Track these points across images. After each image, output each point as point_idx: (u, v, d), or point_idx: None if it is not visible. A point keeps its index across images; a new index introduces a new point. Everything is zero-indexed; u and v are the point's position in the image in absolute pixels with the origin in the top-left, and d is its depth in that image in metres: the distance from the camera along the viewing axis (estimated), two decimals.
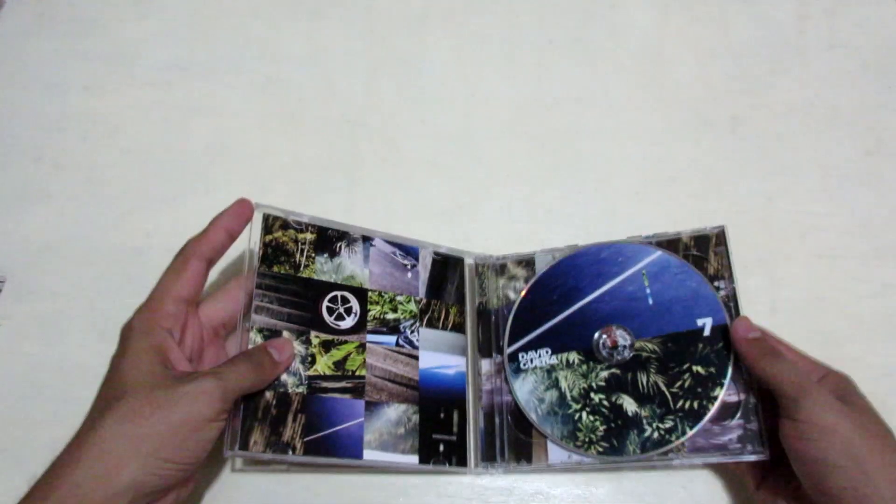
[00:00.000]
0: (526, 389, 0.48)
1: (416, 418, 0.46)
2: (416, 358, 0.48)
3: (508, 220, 0.56)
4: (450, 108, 0.62)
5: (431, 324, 0.50)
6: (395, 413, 0.46)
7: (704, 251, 0.48)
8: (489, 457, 0.47)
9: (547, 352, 0.48)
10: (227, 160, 0.58)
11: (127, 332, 0.40)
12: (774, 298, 0.54)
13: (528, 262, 0.51)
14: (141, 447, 0.35)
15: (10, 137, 0.59)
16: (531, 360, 0.48)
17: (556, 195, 0.58)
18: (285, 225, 0.48)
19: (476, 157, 0.59)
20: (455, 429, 0.47)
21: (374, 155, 0.59)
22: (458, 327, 0.50)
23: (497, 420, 0.47)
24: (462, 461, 0.47)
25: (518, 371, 0.48)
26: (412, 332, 0.49)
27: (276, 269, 0.47)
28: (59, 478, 0.35)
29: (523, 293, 0.50)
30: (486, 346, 0.50)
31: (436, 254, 0.52)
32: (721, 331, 0.45)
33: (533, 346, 0.49)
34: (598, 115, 0.61)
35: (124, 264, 0.53)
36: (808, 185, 0.59)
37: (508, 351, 0.49)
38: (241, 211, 0.45)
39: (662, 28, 0.66)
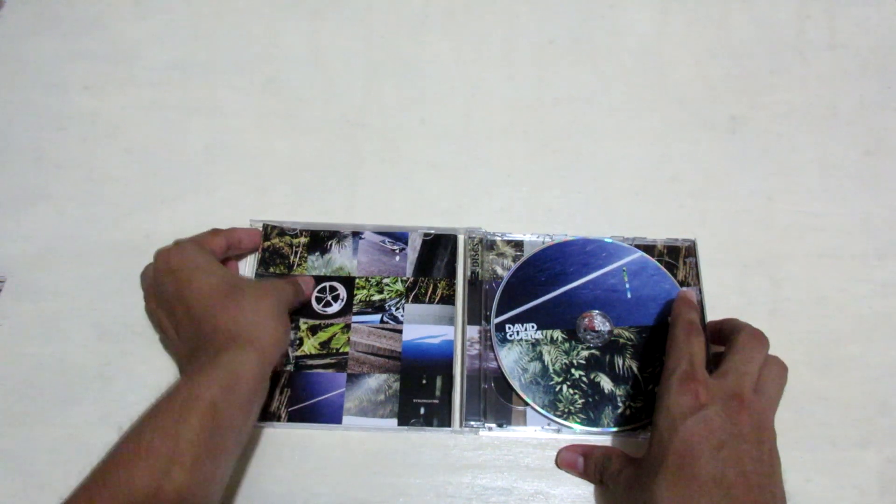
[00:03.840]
0: (511, 358, 0.50)
1: (396, 385, 0.50)
2: (400, 332, 0.51)
3: (508, 220, 0.56)
4: (450, 108, 0.62)
5: (418, 299, 0.53)
6: (375, 382, 0.50)
7: (675, 259, 0.54)
8: (472, 418, 0.49)
9: (533, 326, 0.51)
10: (227, 160, 0.58)
11: (191, 250, 0.47)
12: (774, 298, 0.54)
13: (516, 243, 0.55)
14: (284, 320, 0.46)
15: (10, 137, 0.59)
16: (517, 332, 0.51)
17: (556, 195, 0.58)
18: (282, 232, 0.55)
19: (476, 156, 0.59)
20: (438, 393, 0.49)
21: (374, 155, 0.59)
22: (447, 299, 0.53)
23: (480, 384, 0.49)
24: (445, 423, 0.48)
25: (504, 341, 0.51)
26: (397, 308, 0.52)
27: (272, 269, 0.53)
28: (246, 341, 0.42)
29: (514, 269, 0.53)
30: (475, 314, 0.52)
31: (425, 234, 0.55)
32: None
33: (520, 319, 0.52)
34: (598, 115, 0.62)
35: (124, 264, 0.53)
36: (808, 185, 0.59)
37: (496, 321, 0.51)
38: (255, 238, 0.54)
39: (662, 28, 0.66)
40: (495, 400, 0.49)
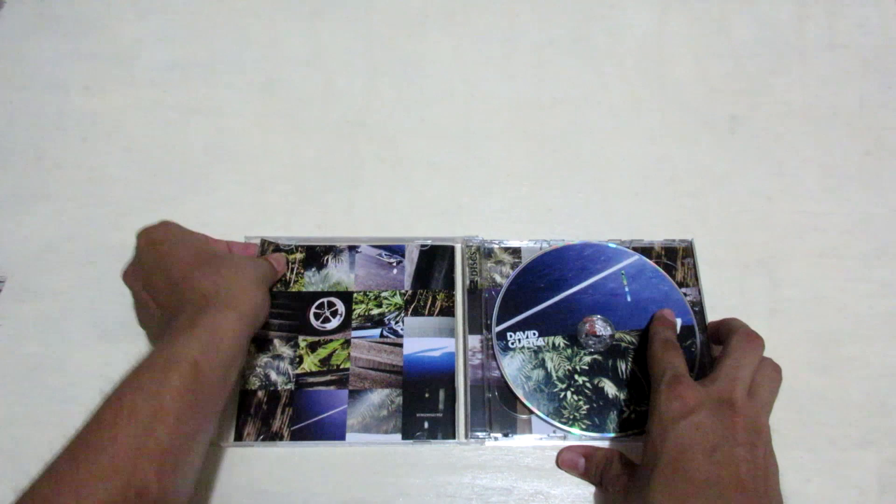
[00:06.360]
0: (514, 367, 0.50)
1: (399, 400, 0.49)
2: (401, 346, 0.51)
3: (508, 220, 0.56)
4: (450, 108, 0.62)
5: (417, 312, 0.52)
6: (378, 398, 0.49)
7: (673, 260, 0.54)
8: (477, 429, 0.48)
9: (534, 334, 0.51)
10: (227, 160, 0.58)
11: (174, 226, 0.48)
12: (774, 298, 0.54)
13: (514, 250, 0.54)
14: (263, 290, 0.46)
15: (10, 137, 0.59)
16: (519, 340, 0.51)
17: (556, 195, 0.58)
18: (277, 248, 0.54)
19: (476, 156, 0.59)
20: (441, 406, 0.49)
21: (373, 155, 0.59)
22: (447, 311, 0.52)
23: (484, 394, 0.49)
24: (449, 436, 0.48)
25: (506, 349, 0.50)
26: (397, 322, 0.52)
27: (270, 287, 0.51)
28: (224, 303, 0.42)
29: (513, 276, 0.53)
30: (476, 324, 0.51)
31: (422, 245, 0.54)
32: (688, 331, 0.51)
33: (521, 327, 0.51)
34: (598, 115, 0.62)
35: (124, 264, 0.53)
36: (808, 185, 0.59)
37: (497, 329, 0.51)
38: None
39: (662, 28, 0.66)
40: (500, 409, 0.49)
